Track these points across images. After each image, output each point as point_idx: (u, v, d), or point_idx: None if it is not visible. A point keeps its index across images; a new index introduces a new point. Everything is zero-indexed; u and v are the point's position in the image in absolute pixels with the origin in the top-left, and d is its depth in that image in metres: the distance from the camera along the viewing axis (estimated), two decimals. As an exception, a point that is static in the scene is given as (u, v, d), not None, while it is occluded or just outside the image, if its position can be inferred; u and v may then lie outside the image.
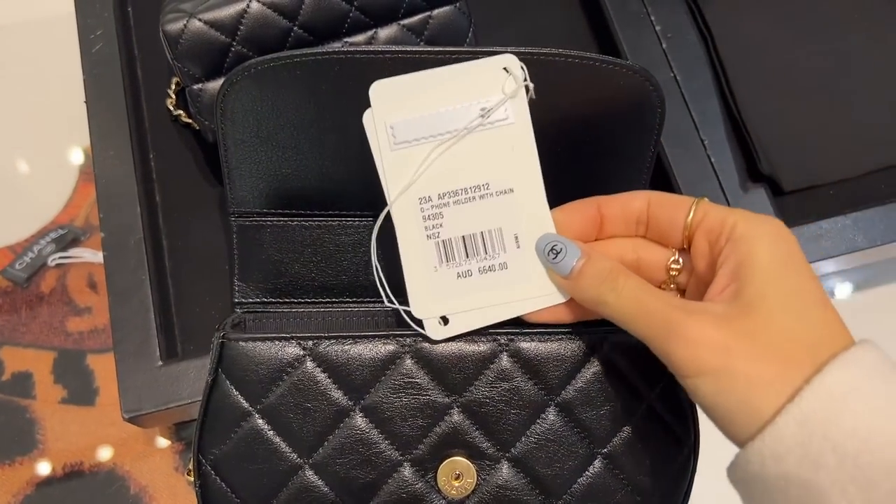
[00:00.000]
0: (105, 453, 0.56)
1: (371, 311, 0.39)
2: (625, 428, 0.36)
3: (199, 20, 0.49)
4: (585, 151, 0.38)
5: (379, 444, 0.36)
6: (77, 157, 0.65)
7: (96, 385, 0.58)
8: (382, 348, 0.36)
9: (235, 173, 0.37)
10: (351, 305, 0.39)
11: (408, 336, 0.36)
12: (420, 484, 0.36)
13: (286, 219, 0.38)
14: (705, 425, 0.32)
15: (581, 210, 0.36)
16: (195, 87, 0.51)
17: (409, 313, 0.36)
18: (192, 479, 0.37)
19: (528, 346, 0.36)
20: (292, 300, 0.39)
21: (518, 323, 0.36)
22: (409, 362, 0.36)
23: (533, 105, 0.35)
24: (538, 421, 0.36)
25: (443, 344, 0.36)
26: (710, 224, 0.33)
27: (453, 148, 0.35)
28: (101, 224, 0.52)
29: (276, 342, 0.36)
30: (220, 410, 0.36)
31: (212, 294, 0.54)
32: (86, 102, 0.56)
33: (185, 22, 0.49)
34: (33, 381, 0.58)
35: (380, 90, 0.35)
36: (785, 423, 0.27)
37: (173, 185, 0.57)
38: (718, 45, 0.57)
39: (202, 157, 0.58)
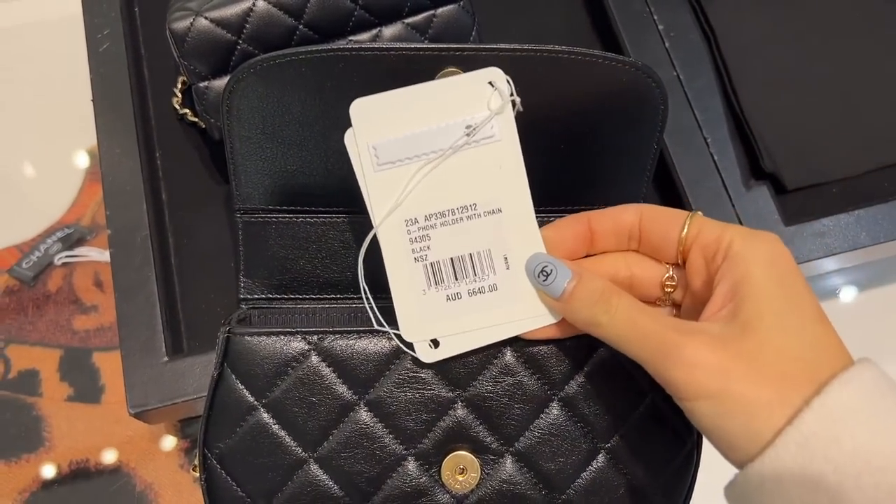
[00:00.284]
0: (111, 451, 0.56)
1: (378, 307, 0.39)
2: (628, 423, 0.37)
3: (206, 18, 0.49)
4: (588, 148, 0.38)
5: (383, 439, 0.36)
6: (84, 157, 0.65)
7: (102, 383, 0.58)
8: (387, 343, 0.36)
9: (241, 170, 0.37)
10: (356, 301, 0.39)
11: None
12: (424, 478, 0.36)
13: (291, 215, 0.38)
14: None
15: (571, 227, 0.36)
16: (201, 84, 0.51)
17: (399, 336, 0.35)
18: (197, 474, 0.37)
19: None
20: (297, 296, 0.39)
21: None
22: (412, 357, 0.36)
23: (535, 102, 0.35)
24: (542, 416, 0.36)
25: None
26: (706, 241, 0.33)
27: (439, 167, 0.34)
28: (107, 221, 0.52)
29: (282, 337, 0.36)
30: (226, 405, 0.36)
31: (217, 291, 0.54)
32: (93, 101, 0.56)
33: (191, 20, 0.49)
34: (40, 378, 0.58)
35: (360, 109, 0.34)
36: (785, 444, 0.27)
37: (179, 183, 0.57)
38: (721, 43, 0.57)
39: (208, 155, 0.58)
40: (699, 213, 0.34)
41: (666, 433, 0.37)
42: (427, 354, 0.35)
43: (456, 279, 0.35)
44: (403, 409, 0.36)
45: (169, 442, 0.57)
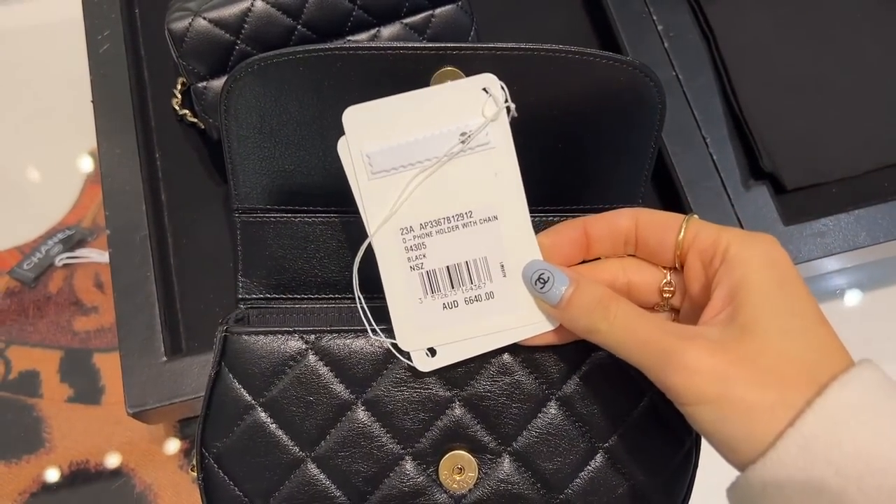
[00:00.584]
0: (111, 452, 0.56)
1: (374, 307, 0.39)
2: (626, 422, 0.36)
3: (204, 19, 0.49)
4: (586, 148, 0.38)
5: (381, 438, 0.36)
6: (85, 159, 0.65)
7: (102, 384, 0.58)
8: (384, 343, 0.36)
9: (239, 170, 0.37)
10: (353, 301, 0.39)
11: None
12: (422, 478, 0.36)
13: (289, 215, 0.38)
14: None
15: (567, 233, 0.35)
16: (200, 84, 0.52)
17: (395, 345, 0.35)
18: (195, 474, 0.37)
19: (528, 340, 0.36)
20: (295, 296, 0.39)
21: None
22: (410, 356, 0.36)
23: (533, 101, 0.35)
24: (539, 415, 0.36)
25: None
26: (703, 244, 0.33)
27: (434, 175, 0.34)
28: (106, 221, 0.52)
29: (279, 336, 0.36)
30: (223, 404, 0.36)
31: (216, 291, 0.54)
32: (93, 102, 0.56)
33: (190, 20, 0.49)
34: (40, 379, 0.58)
35: (353, 117, 0.33)
36: (786, 447, 0.27)
37: (178, 183, 0.57)
38: (720, 43, 0.57)
39: (207, 156, 0.58)
40: (695, 216, 0.34)
41: (664, 433, 0.37)
42: (424, 363, 0.35)
43: (452, 287, 0.35)
44: (401, 409, 0.36)
45: (168, 443, 0.57)
